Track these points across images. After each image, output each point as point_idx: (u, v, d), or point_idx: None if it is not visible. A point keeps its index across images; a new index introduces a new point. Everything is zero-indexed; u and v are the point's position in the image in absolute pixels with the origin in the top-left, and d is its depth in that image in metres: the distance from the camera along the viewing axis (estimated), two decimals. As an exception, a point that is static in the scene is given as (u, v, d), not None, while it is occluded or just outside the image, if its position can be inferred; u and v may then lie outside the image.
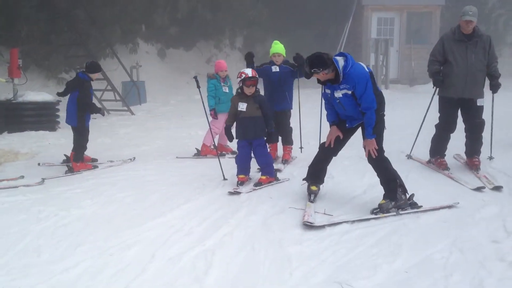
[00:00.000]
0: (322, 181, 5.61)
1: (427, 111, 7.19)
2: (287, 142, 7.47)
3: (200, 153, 8.09)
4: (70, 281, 3.58)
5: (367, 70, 4.89)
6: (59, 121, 11.32)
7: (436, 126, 6.77)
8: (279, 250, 4.07)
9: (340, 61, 4.85)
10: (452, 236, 4.23)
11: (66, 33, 14.92)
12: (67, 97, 7.54)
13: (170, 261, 3.88)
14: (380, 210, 4.86)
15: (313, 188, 5.45)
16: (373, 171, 5.14)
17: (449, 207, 4.99)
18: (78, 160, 7.36)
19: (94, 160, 7.78)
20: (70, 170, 7.25)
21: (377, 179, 5.11)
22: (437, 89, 6.67)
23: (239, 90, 6.14)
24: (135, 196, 5.78)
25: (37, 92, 11.57)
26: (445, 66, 6.47)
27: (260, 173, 6.34)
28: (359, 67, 4.88)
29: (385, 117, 5.06)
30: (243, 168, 6.20)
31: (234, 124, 6.22)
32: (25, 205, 5.43)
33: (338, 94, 4.96)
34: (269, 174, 6.20)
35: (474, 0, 21.98)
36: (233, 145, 7.91)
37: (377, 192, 5.43)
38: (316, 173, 5.52)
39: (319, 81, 5.08)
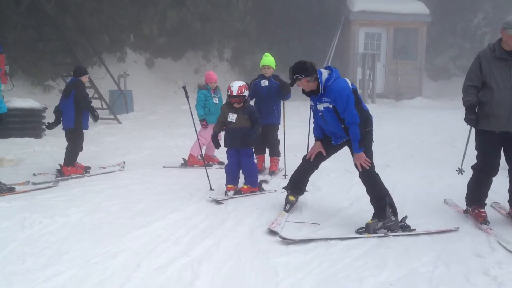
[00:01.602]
0: (302, 192, 5.64)
1: (466, 146, 5.82)
2: (274, 154, 7.50)
3: (187, 163, 8.07)
4: (54, 289, 3.54)
5: (351, 86, 4.88)
6: (45, 129, 11.23)
7: (474, 167, 5.24)
8: (265, 261, 4.06)
9: (324, 73, 4.89)
10: (437, 250, 4.26)
11: (53, 41, 14.83)
12: (55, 104, 7.52)
13: (155, 271, 3.85)
14: (366, 230, 4.70)
15: (291, 198, 5.49)
16: (360, 184, 5.16)
17: (449, 231, 4.79)
18: (69, 164, 7.34)
19: (87, 168, 7.70)
20: (61, 174, 7.21)
21: (363, 192, 5.13)
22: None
23: (229, 100, 6.17)
24: (121, 205, 5.74)
25: (24, 99, 11.48)
26: (483, 92, 5.03)
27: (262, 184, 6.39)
28: (342, 82, 4.88)
29: (372, 131, 5.07)
30: (232, 178, 6.20)
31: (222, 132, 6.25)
32: (9, 212, 5.35)
33: (320, 107, 4.99)
34: (252, 184, 6.22)
35: (459, 17, 22.49)
36: (220, 155, 7.94)
37: (364, 205, 5.47)
38: (296, 184, 5.55)
39: (304, 92, 5.10)
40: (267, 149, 7.52)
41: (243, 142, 6.11)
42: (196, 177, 7.09)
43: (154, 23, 17.94)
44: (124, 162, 8.11)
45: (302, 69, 4.87)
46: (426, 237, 4.59)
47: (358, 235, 4.65)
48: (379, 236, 4.62)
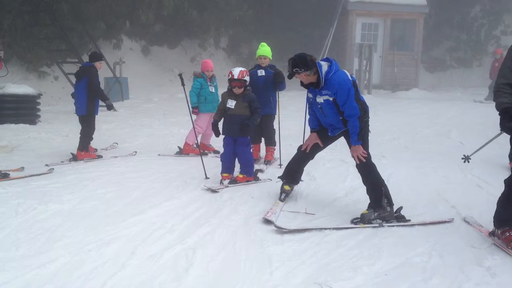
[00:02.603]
0: (297, 182, 5.64)
1: (489, 141, 5.64)
2: (270, 143, 7.49)
3: (182, 152, 8.05)
4: (47, 276, 3.52)
5: (350, 79, 4.84)
6: (40, 115, 11.19)
7: (507, 182, 4.29)
8: (260, 250, 4.06)
9: (324, 66, 4.85)
10: (431, 241, 4.27)
11: (49, 27, 14.74)
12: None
13: (150, 259, 3.84)
14: (361, 220, 4.71)
15: (286, 187, 5.50)
16: (355, 174, 5.16)
17: (444, 222, 4.77)
18: (82, 149, 7.56)
19: (99, 156, 7.88)
20: (74, 158, 7.43)
21: (359, 182, 5.13)
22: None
23: (229, 86, 6.14)
24: (115, 192, 5.73)
25: (18, 85, 11.41)
26: None
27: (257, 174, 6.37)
28: (342, 74, 4.84)
29: (369, 122, 5.06)
30: (227, 167, 6.20)
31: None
32: (3, 198, 5.34)
33: (320, 99, 4.95)
34: (247, 173, 6.21)
35: (457, 9, 22.47)
36: (215, 144, 7.92)
37: (359, 194, 5.49)
38: (291, 173, 5.55)
39: (302, 84, 5.07)
40: (262, 139, 7.51)
41: (240, 130, 6.08)
42: (191, 165, 7.08)
43: (150, 10, 17.84)
44: (135, 152, 8.20)
45: (302, 63, 4.80)
46: (421, 228, 4.60)
47: (352, 225, 4.65)
48: (373, 227, 4.63)
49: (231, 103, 6.07)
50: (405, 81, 19.08)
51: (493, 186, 5.89)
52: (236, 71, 6.06)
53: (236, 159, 6.27)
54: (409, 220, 4.76)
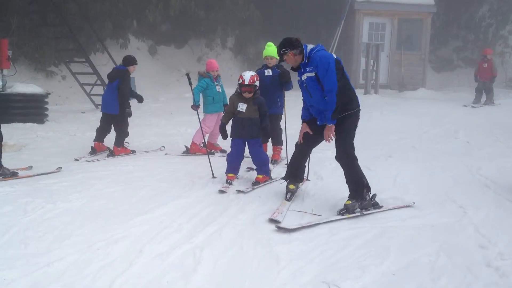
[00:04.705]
0: (300, 180, 5.69)
1: None
2: (277, 142, 7.49)
3: (189, 151, 8.07)
4: (56, 274, 3.54)
5: (335, 57, 5.01)
6: (47, 114, 11.25)
7: None
8: (267, 249, 4.06)
9: (310, 46, 5.12)
10: (439, 240, 4.25)
11: (57, 27, 14.82)
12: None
13: (158, 257, 3.85)
14: (347, 210, 4.90)
15: (291, 187, 5.53)
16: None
17: (407, 206, 5.16)
18: (119, 144, 7.96)
19: (133, 151, 8.29)
20: (111, 154, 7.83)
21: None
22: None
23: (238, 90, 6.13)
24: (123, 191, 5.75)
25: (26, 84, 11.49)
26: None
27: (250, 172, 6.35)
28: (326, 53, 5.05)
29: (358, 114, 5.14)
30: (233, 167, 6.19)
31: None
32: (12, 197, 5.37)
33: (304, 77, 5.14)
34: (265, 173, 6.22)
35: (465, 8, 22.36)
36: (222, 143, 7.93)
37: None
38: (293, 172, 5.59)
39: (292, 68, 5.26)
40: (269, 138, 7.50)
41: (251, 132, 6.08)
42: (198, 165, 7.09)
43: (157, 10, 17.87)
44: (164, 147, 8.62)
45: (288, 43, 5.09)
46: (429, 228, 4.58)
47: (340, 217, 4.83)
48: (356, 216, 4.83)
49: (242, 107, 6.06)
50: (412, 81, 18.99)
51: (501, 186, 5.87)
52: (247, 76, 6.03)
53: (241, 160, 6.27)
54: (382, 206, 5.08)
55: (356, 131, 5.13)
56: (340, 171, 6.71)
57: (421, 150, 8.44)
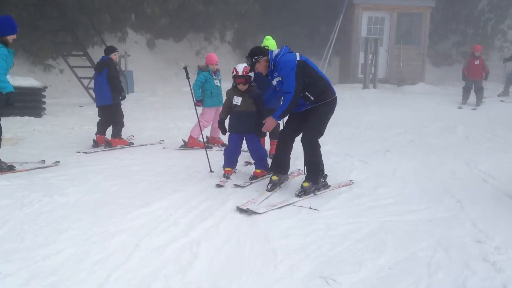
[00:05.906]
0: (285, 172, 5.80)
1: None
2: (275, 136, 7.45)
3: (187, 145, 8.06)
4: (52, 268, 3.53)
5: (298, 58, 5.18)
6: (45, 108, 11.22)
7: None
8: (265, 244, 4.06)
9: (275, 51, 5.30)
10: (436, 235, 4.25)
11: (54, 20, 14.74)
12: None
13: (154, 251, 3.85)
14: (304, 192, 5.24)
15: (274, 178, 5.66)
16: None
17: (347, 185, 5.64)
18: (116, 136, 8.02)
19: (131, 143, 8.42)
20: (109, 145, 7.90)
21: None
22: None
23: (234, 84, 6.11)
24: (120, 185, 5.74)
25: (24, 77, 11.43)
26: None
27: (248, 166, 6.34)
28: (289, 56, 5.22)
29: (334, 103, 5.36)
30: (230, 161, 6.17)
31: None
32: (9, 190, 5.36)
33: (274, 82, 5.42)
34: (263, 167, 6.20)
35: (464, 3, 22.32)
36: (225, 138, 7.91)
37: (364, 188, 5.49)
38: (278, 163, 5.70)
39: (266, 75, 5.48)
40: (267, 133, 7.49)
41: (248, 126, 6.06)
42: (196, 159, 7.08)
43: (156, 3, 17.80)
44: (163, 140, 8.65)
45: (259, 51, 5.38)
46: (426, 223, 4.58)
47: (297, 199, 5.11)
48: (310, 197, 5.20)
49: (237, 100, 6.04)
50: (411, 76, 18.99)
51: (499, 181, 5.87)
52: (240, 68, 6.02)
53: (238, 155, 6.26)
54: (330, 186, 5.54)
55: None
56: (338, 165, 6.77)
57: (420, 144, 8.43)
